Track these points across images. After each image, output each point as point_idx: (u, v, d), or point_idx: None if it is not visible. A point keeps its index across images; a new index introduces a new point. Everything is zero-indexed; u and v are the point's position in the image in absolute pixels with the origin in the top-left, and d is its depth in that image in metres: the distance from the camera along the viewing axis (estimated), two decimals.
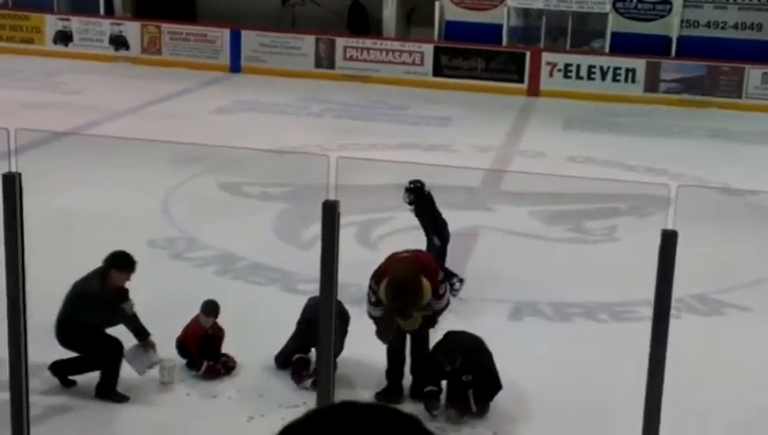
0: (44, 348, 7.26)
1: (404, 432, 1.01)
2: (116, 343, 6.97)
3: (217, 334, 7.50)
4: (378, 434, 0.99)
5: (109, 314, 6.93)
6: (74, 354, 7.00)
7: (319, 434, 0.99)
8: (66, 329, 6.90)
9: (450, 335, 7.10)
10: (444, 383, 7.09)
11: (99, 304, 6.83)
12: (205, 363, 7.31)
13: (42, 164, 11.19)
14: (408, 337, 7.19)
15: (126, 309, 6.92)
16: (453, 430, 6.83)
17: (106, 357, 6.92)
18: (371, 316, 7.14)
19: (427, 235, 9.09)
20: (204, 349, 7.38)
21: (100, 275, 6.89)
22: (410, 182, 9.12)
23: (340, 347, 7.23)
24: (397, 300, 6.85)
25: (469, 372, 6.89)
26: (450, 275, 8.69)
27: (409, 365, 7.23)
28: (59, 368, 7.03)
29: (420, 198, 9.08)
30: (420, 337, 7.18)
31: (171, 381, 7.17)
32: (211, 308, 7.45)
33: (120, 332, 7.05)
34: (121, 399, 6.91)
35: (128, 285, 6.96)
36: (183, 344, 7.40)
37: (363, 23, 23.53)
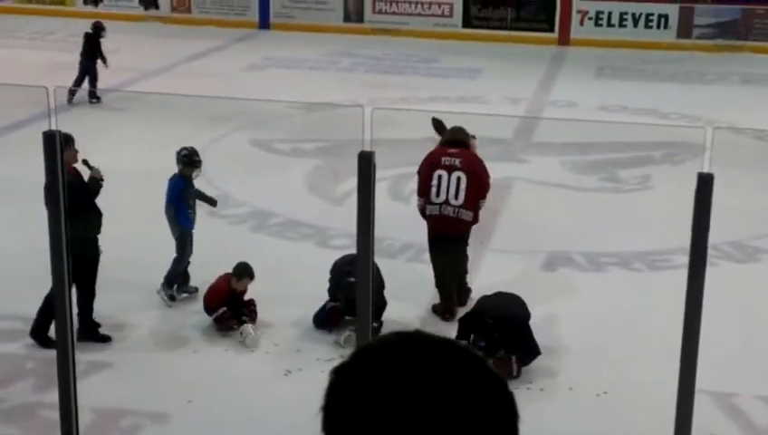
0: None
1: (472, 372, 1.03)
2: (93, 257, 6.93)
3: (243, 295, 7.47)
4: (446, 371, 1.02)
5: (89, 194, 7.01)
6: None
7: (389, 363, 1.03)
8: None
9: (484, 306, 6.95)
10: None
11: (77, 195, 6.39)
12: (221, 310, 7.29)
13: (78, 122, 11.28)
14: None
15: (96, 175, 7.05)
16: None
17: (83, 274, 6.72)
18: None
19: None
20: (231, 308, 7.37)
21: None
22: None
23: (381, 302, 7.21)
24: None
25: (507, 341, 6.88)
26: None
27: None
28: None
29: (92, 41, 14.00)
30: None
31: (253, 347, 7.17)
32: (244, 271, 7.43)
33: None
34: (104, 339, 7.04)
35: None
36: (208, 300, 7.42)
37: None
